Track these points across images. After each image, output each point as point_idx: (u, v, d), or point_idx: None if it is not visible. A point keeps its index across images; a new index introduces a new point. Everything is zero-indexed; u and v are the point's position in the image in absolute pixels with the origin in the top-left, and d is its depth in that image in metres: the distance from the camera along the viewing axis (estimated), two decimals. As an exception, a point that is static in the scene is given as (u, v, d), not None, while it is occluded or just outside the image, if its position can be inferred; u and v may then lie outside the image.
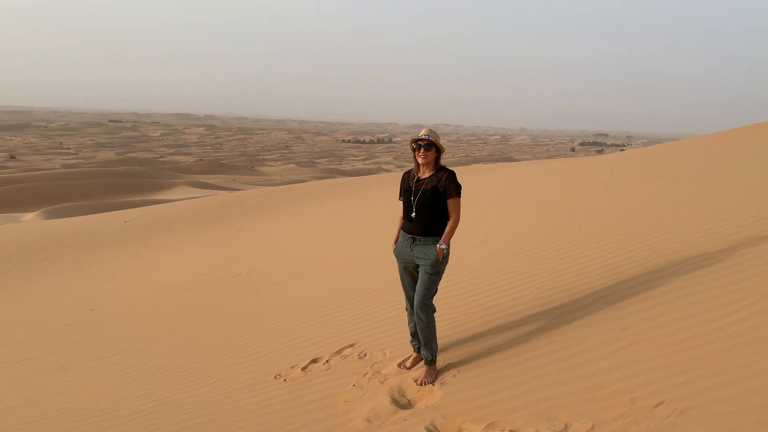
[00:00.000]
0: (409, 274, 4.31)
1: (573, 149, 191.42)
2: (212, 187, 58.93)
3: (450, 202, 4.11)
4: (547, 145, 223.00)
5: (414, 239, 4.17)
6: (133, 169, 69.25)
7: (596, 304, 4.66)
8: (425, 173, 4.18)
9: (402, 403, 3.88)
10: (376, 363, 4.60)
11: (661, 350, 3.63)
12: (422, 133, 4.13)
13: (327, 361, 4.88)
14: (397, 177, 25.55)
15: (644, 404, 3.13)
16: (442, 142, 4.20)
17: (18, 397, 5.95)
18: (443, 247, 4.05)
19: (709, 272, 4.66)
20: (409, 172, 4.32)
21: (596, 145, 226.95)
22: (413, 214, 4.15)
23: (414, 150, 4.17)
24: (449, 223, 4.13)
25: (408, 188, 4.24)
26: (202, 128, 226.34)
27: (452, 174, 4.13)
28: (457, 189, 4.10)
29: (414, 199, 4.14)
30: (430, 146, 4.11)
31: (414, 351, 4.44)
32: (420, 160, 4.14)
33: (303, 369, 4.84)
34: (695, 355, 3.47)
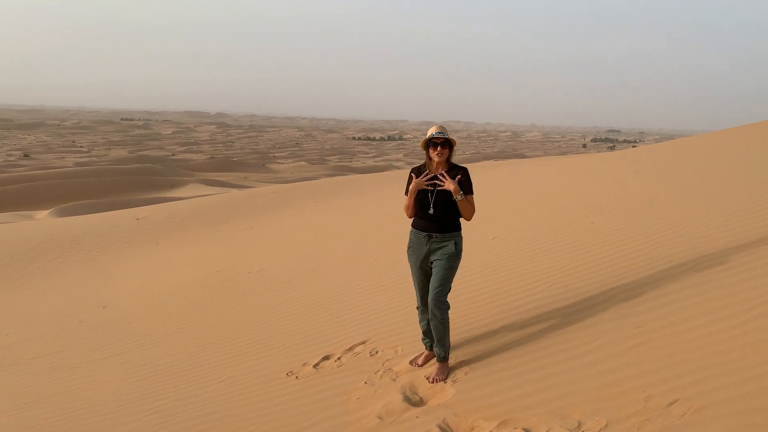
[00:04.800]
0: (423, 271, 4.30)
1: (584, 146, 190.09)
2: (223, 184, 59.09)
3: (467, 198, 4.17)
4: (558, 141, 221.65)
5: (430, 236, 4.18)
6: (145, 167, 69.52)
7: (609, 301, 4.63)
8: (438, 170, 4.20)
9: (414, 401, 3.87)
10: (387, 360, 4.60)
11: (676, 348, 3.60)
12: (436, 131, 4.15)
13: (339, 359, 4.88)
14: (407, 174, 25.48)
15: (658, 402, 3.11)
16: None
17: (33, 394, 6.01)
18: (460, 197, 4.07)
19: (723, 269, 4.61)
20: (418, 168, 4.33)
21: (608, 141, 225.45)
22: (431, 211, 4.16)
23: (427, 149, 4.18)
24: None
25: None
26: (214, 126, 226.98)
27: (467, 171, 4.20)
28: (470, 186, 4.19)
29: (432, 196, 4.16)
30: (446, 143, 4.15)
31: (426, 349, 4.44)
32: (436, 158, 4.17)
33: (315, 366, 4.85)
34: (710, 353, 3.44)
